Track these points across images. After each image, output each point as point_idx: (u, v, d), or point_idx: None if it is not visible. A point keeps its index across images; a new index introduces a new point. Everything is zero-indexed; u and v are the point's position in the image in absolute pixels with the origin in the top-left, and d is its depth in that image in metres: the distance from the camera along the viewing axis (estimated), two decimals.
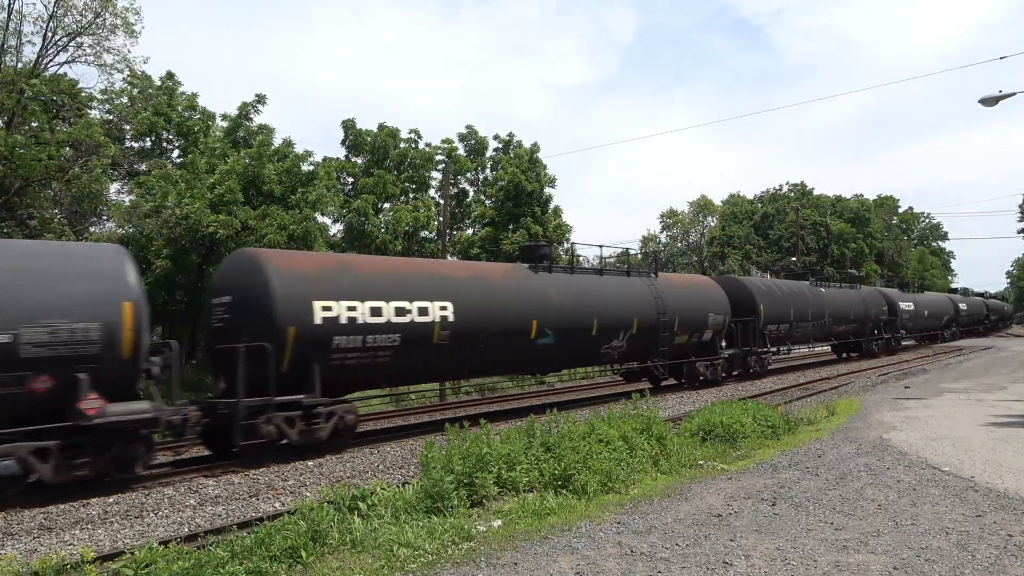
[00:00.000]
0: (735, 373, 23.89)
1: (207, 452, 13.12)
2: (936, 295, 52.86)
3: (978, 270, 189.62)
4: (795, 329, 27.11)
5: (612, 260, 27.97)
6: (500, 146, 40.30)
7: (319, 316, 11.90)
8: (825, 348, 37.68)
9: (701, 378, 21.56)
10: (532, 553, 6.29)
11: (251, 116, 27.49)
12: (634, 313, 18.47)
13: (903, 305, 38.90)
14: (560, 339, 16.14)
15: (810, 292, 29.02)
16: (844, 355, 35.29)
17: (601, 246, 20.25)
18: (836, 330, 31.14)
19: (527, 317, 15.45)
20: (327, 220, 31.59)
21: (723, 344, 23.00)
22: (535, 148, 38.01)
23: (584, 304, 17.02)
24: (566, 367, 21.33)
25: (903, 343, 42.47)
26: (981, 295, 72.97)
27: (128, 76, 27.64)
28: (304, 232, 23.73)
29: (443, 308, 13.67)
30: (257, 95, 27.66)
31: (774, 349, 27.32)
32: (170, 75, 31.02)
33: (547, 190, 37.82)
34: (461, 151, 40.91)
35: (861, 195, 78.37)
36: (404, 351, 13.10)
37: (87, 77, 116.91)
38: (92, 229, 24.30)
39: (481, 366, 15.72)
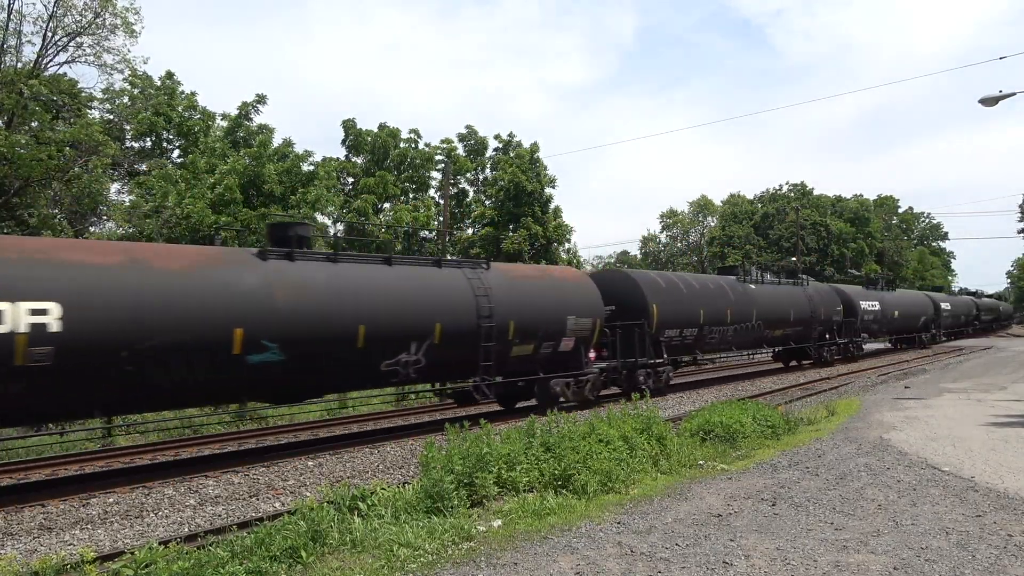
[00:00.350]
0: (616, 391, 18.87)
1: (207, 452, 13.14)
2: (911, 293, 47.67)
3: (978, 270, 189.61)
4: (708, 335, 21.85)
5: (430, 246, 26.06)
6: (500, 146, 40.35)
7: None
8: (766, 356, 33.51)
9: (561, 399, 16.59)
10: (532, 553, 6.29)
11: (251, 116, 27.53)
12: (437, 316, 13.63)
13: (865, 304, 33.98)
14: (294, 355, 11.48)
15: (733, 289, 23.74)
16: (793, 363, 30.12)
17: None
18: (770, 335, 25.81)
19: (227, 324, 10.75)
20: (327, 220, 31.61)
21: (591, 356, 17.66)
22: (535, 148, 38.05)
23: (345, 304, 12.28)
24: (318, 392, 13.88)
25: (871, 347, 39.80)
26: (973, 293, 69.18)
27: (129, 76, 27.69)
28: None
29: (37, 312, 9.06)
30: (257, 95, 27.74)
31: (687, 359, 23.43)
32: (170, 75, 31.07)
33: (547, 190, 37.87)
34: (461, 151, 40.97)
35: (861, 195, 78.47)
36: None
37: (87, 77, 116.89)
38: (92, 229, 24.31)
39: (135, 396, 10.52)
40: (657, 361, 19.52)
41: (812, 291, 28.93)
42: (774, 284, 27.06)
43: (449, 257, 22.01)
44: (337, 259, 12.92)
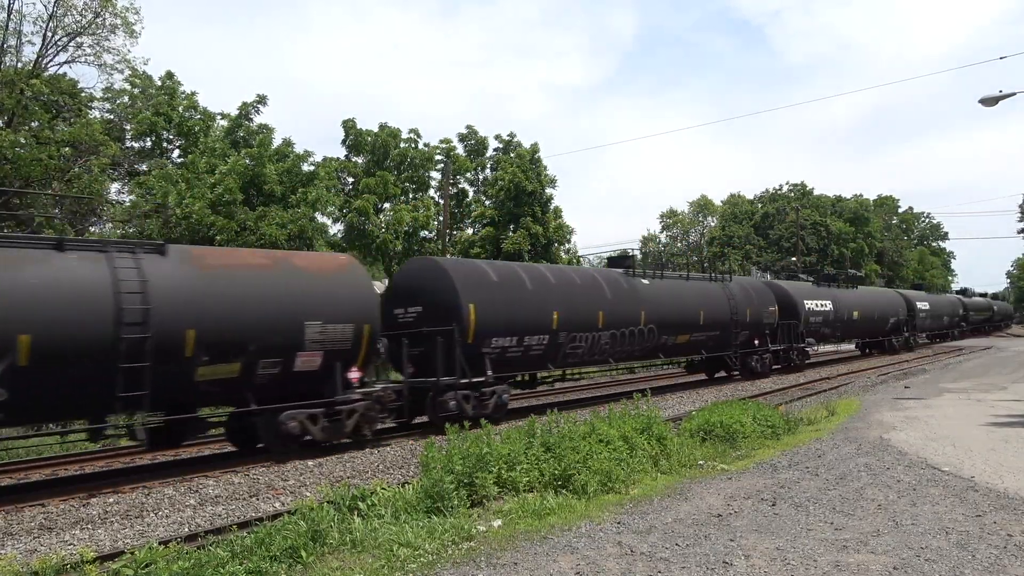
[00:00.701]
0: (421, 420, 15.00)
1: (207, 452, 13.14)
2: (878, 291, 41.94)
3: (978, 270, 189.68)
4: (568, 344, 16.94)
5: None
6: (501, 146, 40.33)
7: None
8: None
9: (306, 437, 12.18)
10: (532, 553, 6.29)
11: (251, 117, 27.53)
12: (16, 327, 9.16)
13: (811, 304, 29.00)
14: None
15: (613, 284, 18.81)
16: (721, 373, 25.32)
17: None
18: (669, 342, 20.54)
19: None
20: (327, 220, 31.62)
21: (355, 376, 12.75)
22: (535, 148, 38.04)
23: None
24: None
25: (828, 350, 36.54)
26: (963, 292, 64.80)
27: (129, 76, 27.72)
28: (301, 230, 23.77)
29: None
30: (258, 95, 27.71)
31: (534, 376, 18.86)
32: (170, 75, 31.05)
33: (548, 190, 37.86)
34: (461, 151, 40.95)
35: (861, 195, 78.47)
36: None
37: (87, 77, 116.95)
38: (92, 229, 24.32)
39: None
40: (477, 380, 14.66)
41: (736, 288, 23.93)
42: (678, 279, 22.03)
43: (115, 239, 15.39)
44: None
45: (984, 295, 77.53)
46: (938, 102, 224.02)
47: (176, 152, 31.12)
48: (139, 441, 11.26)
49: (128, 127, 29.86)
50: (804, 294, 28.94)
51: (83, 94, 27.06)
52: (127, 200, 26.61)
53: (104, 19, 22.28)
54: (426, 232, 36.52)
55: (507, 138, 40.15)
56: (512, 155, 38.46)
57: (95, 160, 21.25)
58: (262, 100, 27.68)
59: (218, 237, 22.14)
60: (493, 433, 9.02)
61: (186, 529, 8.13)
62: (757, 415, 12.81)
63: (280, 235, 22.72)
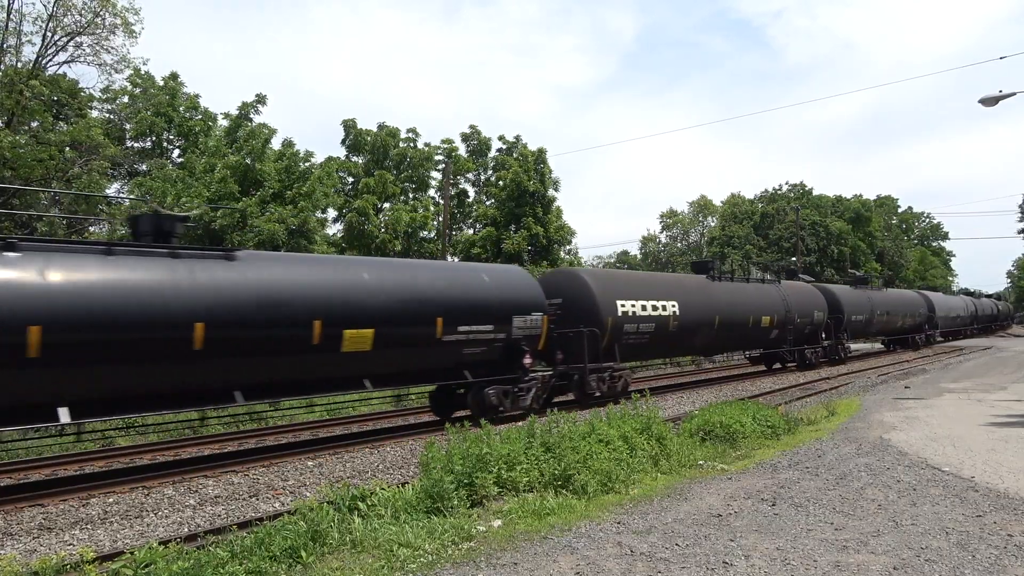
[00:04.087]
0: None
1: (207, 452, 13.14)
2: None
3: (978, 270, 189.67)
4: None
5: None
6: (504, 147, 40.32)
7: None
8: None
9: None
10: (532, 553, 6.28)
11: (251, 116, 27.55)
12: None
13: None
14: None
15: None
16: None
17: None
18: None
19: None
20: (326, 216, 31.67)
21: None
22: (542, 151, 38.01)
23: None
24: None
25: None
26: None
27: (131, 76, 27.74)
28: (302, 224, 23.80)
29: None
30: (257, 95, 27.75)
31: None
32: (174, 76, 31.09)
33: (550, 192, 37.86)
34: (463, 151, 40.96)
35: (861, 195, 78.48)
36: None
37: (87, 77, 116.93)
38: (92, 229, 24.32)
39: None
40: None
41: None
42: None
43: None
44: None
45: (991, 296, 78.43)
46: (938, 102, 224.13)
47: (176, 152, 31.15)
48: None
49: (128, 127, 29.87)
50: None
51: (83, 94, 27.05)
52: (127, 200, 26.61)
53: (104, 19, 22.26)
54: (426, 232, 36.52)
55: (512, 140, 40.15)
56: (516, 155, 38.48)
57: (96, 163, 21.24)
58: (261, 100, 27.71)
59: (220, 223, 22.20)
60: (493, 433, 9.01)
61: (186, 529, 8.12)
62: (757, 415, 12.81)
63: (279, 230, 22.74)
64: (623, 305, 18.31)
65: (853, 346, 37.14)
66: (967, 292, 68.15)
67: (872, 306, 33.59)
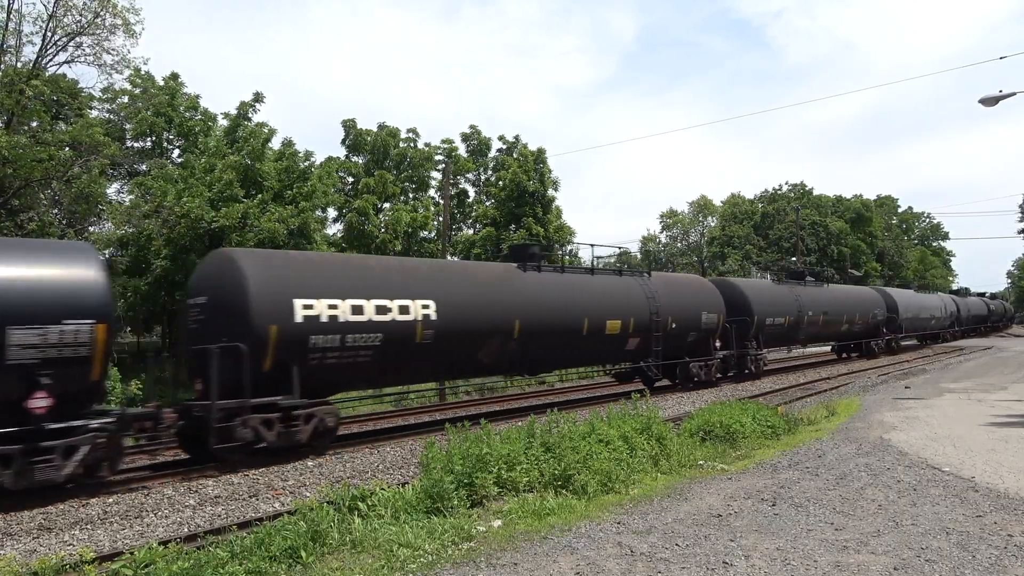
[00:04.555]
0: None
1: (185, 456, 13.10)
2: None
3: (978, 270, 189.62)
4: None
5: None
6: (504, 147, 40.32)
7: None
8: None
9: None
10: (532, 553, 6.28)
11: (250, 116, 27.56)
12: None
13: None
14: None
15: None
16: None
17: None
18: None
19: None
20: (326, 215, 31.69)
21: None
22: (542, 151, 38.01)
23: None
24: None
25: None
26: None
27: (131, 76, 27.73)
28: (302, 224, 23.82)
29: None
30: (255, 94, 27.70)
31: None
32: (175, 76, 31.10)
33: (550, 192, 37.88)
34: (463, 151, 40.96)
35: (861, 195, 78.48)
36: None
37: (87, 77, 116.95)
38: (92, 229, 24.32)
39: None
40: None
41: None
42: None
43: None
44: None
45: (982, 295, 73.53)
46: (938, 102, 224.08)
47: (176, 152, 31.16)
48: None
49: (128, 127, 29.87)
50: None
51: (83, 94, 27.04)
52: (127, 200, 26.63)
53: (104, 19, 22.22)
54: (426, 232, 36.53)
55: (512, 140, 40.16)
56: (516, 155, 38.50)
57: (95, 162, 21.23)
58: (259, 98, 27.68)
59: (221, 223, 22.21)
60: (493, 433, 9.01)
61: (186, 529, 8.12)
62: (757, 415, 12.81)
63: (279, 229, 22.74)
64: (308, 306, 11.91)
65: (808, 349, 34.59)
66: (958, 291, 63.87)
67: (800, 306, 27.05)
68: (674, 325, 19.99)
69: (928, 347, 44.13)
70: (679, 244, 69.15)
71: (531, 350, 16.01)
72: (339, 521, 6.86)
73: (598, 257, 25.42)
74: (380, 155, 37.07)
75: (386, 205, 35.36)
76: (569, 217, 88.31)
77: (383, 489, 8.04)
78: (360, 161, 37.73)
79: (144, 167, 28.80)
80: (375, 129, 37.86)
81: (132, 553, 6.00)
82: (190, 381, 12.38)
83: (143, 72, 29.89)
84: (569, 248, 39.84)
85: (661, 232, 69.82)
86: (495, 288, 15.40)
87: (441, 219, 34.45)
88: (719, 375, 22.69)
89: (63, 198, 21.60)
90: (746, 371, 24.16)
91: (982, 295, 74.69)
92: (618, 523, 7.20)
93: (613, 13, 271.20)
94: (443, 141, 40.38)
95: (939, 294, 51.74)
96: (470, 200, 41.17)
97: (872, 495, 8.03)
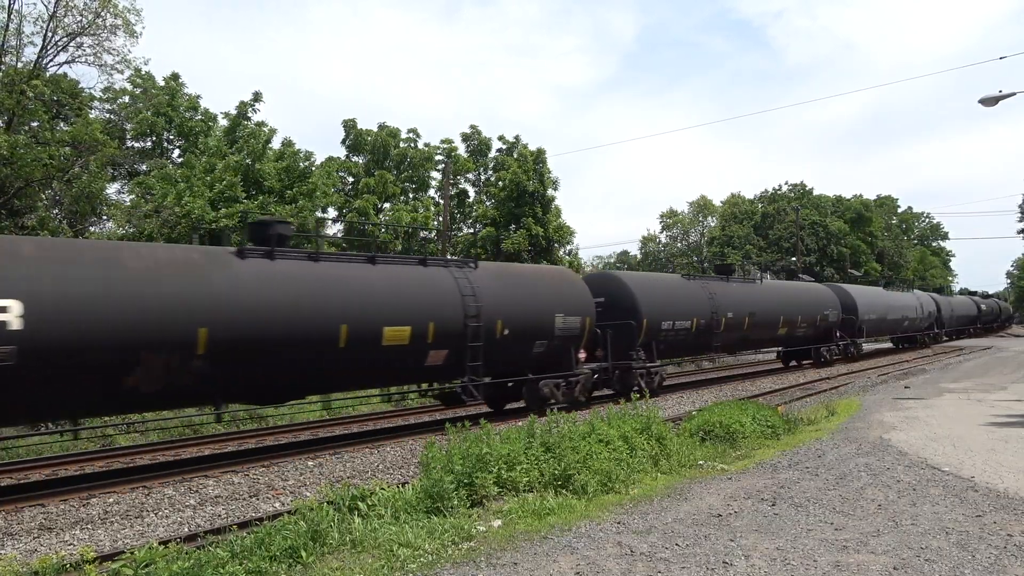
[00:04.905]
0: None
1: (207, 452, 13.14)
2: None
3: (978, 270, 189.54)
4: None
5: None
6: (504, 147, 40.34)
7: None
8: None
9: None
10: (532, 553, 6.29)
11: (249, 116, 27.59)
12: None
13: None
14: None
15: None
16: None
17: None
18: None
19: None
20: (326, 215, 31.69)
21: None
22: (541, 152, 38.02)
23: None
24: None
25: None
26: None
27: (132, 76, 27.75)
28: (301, 224, 23.85)
29: None
30: (254, 93, 27.74)
31: None
32: (175, 76, 31.12)
33: (549, 191, 37.90)
34: (463, 151, 40.98)
35: (861, 195, 78.50)
36: None
37: (87, 77, 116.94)
38: (92, 229, 24.33)
39: None
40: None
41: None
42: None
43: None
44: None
45: (973, 293, 69.74)
46: (938, 102, 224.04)
47: (176, 152, 31.19)
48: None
49: (128, 127, 29.89)
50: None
51: (83, 94, 27.06)
52: (127, 200, 26.64)
53: (104, 19, 22.25)
54: (426, 232, 36.54)
55: (512, 140, 40.18)
56: (516, 155, 38.51)
57: (93, 159, 21.25)
58: (258, 98, 27.71)
59: (223, 223, 22.24)
60: (493, 433, 9.02)
61: (186, 529, 8.13)
62: (757, 415, 12.82)
63: None
64: None
65: (756, 356, 32.14)
66: (941, 289, 59.11)
67: (715, 306, 22.22)
68: (506, 331, 14.90)
69: (904, 351, 39.58)
70: (679, 244, 69.18)
71: (234, 371, 11.14)
72: (339, 521, 6.86)
73: (598, 258, 24.19)
74: (380, 155, 37.09)
75: (386, 205, 35.38)
76: (569, 217, 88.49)
77: (383, 489, 8.05)
78: (360, 161, 37.75)
79: (144, 167, 28.81)
80: (375, 129, 37.88)
81: (132, 553, 6.00)
82: None
83: (143, 72, 29.91)
84: (569, 248, 39.89)
85: (661, 232, 69.90)
86: (166, 283, 10.36)
87: (441, 219, 34.50)
88: (584, 397, 17.56)
89: (63, 198, 21.62)
90: (635, 388, 18.16)
91: (973, 294, 71.32)
92: (618, 523, 7.20)
93: (613, 13, 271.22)
94: (442, 141, 40.42)
95: (915, 292, 45.71)
96: (470, 200, 41.18)
97: (872, 495, 8.04)
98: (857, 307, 31.44)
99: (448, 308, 13.93)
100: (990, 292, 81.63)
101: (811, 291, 29.96)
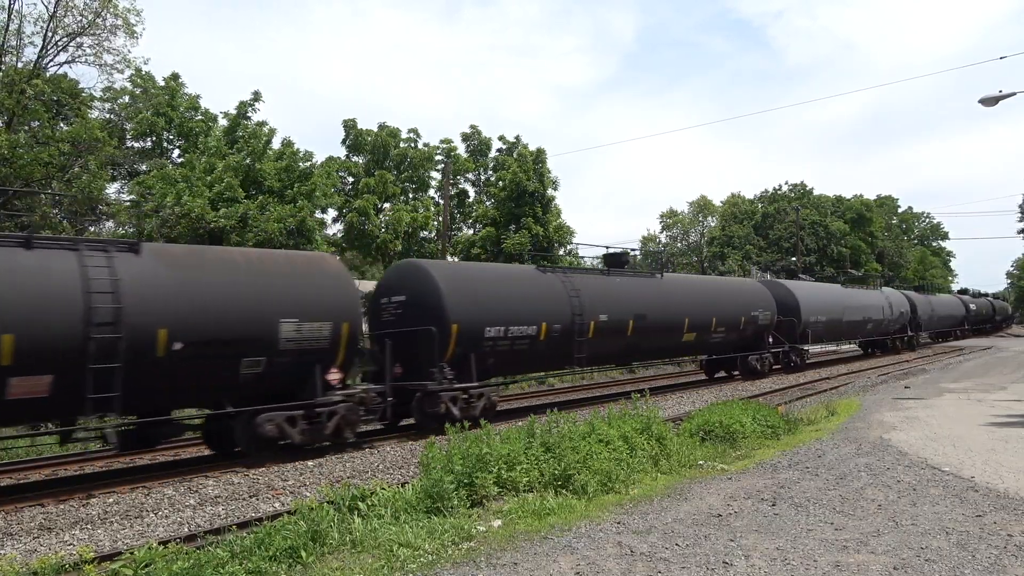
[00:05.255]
0: None
1: (207, 452, 13.12)
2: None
3: (978, 270, 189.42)
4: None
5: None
6: (505, 147, 40.30)
7: None
8: None
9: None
10: (532, 553, 6.28)
11: (249, 115, 27.58)
12: None
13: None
14: None
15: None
16: None
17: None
18: None
19: None
20: (326, 217, 31.70)
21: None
22: (541, 152, 37.99)
23: None
24: None
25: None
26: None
27: (132, 75, 27.77)
28: (300, 224, 23.85)
29: None
30: (254, 93, 27.71)
31: None
32: (175, 76, 31.12)
33: (549, 191, 37.87)
34: (463, 151, 40.95)
35: (861, 195, 78.48)
36: None
37: (87, 77, 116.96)
38: (91, 228, 24.34)
39: None
40: None
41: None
42: None
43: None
44: None
45: (965, 291, 64.35)
46: (938, 102, 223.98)
47: (176, 152, 31.19)
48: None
49: (128, 127, 29.90)
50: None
51: (84, 94, 27.07)
52: (127, 200, 26.64)
53: (105, 19, 22.26)
54: (426, 232, 36.55)
55: (512, 140, 40.14)
56: (515, 156, 38.49)
57: (91, 157, 21.26)
58: (257, 97, 27.69)
59: (222, 223, 22.26)
60: (493, 433, 9.01)
61: (186, 529, 8.12)
62: (757, 415, 12.81)
63: (276, 229, 22.78)
64: None
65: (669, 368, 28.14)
66: (920, 286, 49.60)
67: (579, 308, 17.19)
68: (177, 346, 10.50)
69: (868, 358, 35.23)
70: (679, 244, 69.18)
71: None
72: (339, 521, 6.86)
73: (598, 258, 20.84)
74: (380, 155, 37.07)
75: (386, 205, 35.37)
76: (569, 217, 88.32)
77: (383, 489, 8.05)
78: (360, 161, 37.73)
79: (144, 167, 28.82)
80: (375, 129, 37.87)
81: (132, 553, 6.00)
82: None
83: (143, 72, 29.92)
84: (569, 248, 39.85)
85: (661, 232, 69.88)
86: None
87: (441, 219, 34.49)
88: (350, 434, 12.64)
89: (63, 198, 21.63)
90: (442, 416, 13.48)
91: (965, 292, 65.99)
92: (618, 523, 7.20)
93: (613, 13, 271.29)
94: (442, 141, 40.38)
95: (884, 290, 38.33)
96: (470, 200, 41.16)
97: (872, 495, 8.04)
98: (800, 307, 26.18)
99: (53, 314, 9.55)
100: (989, 292, 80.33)
101: (734, 288, 25.08)
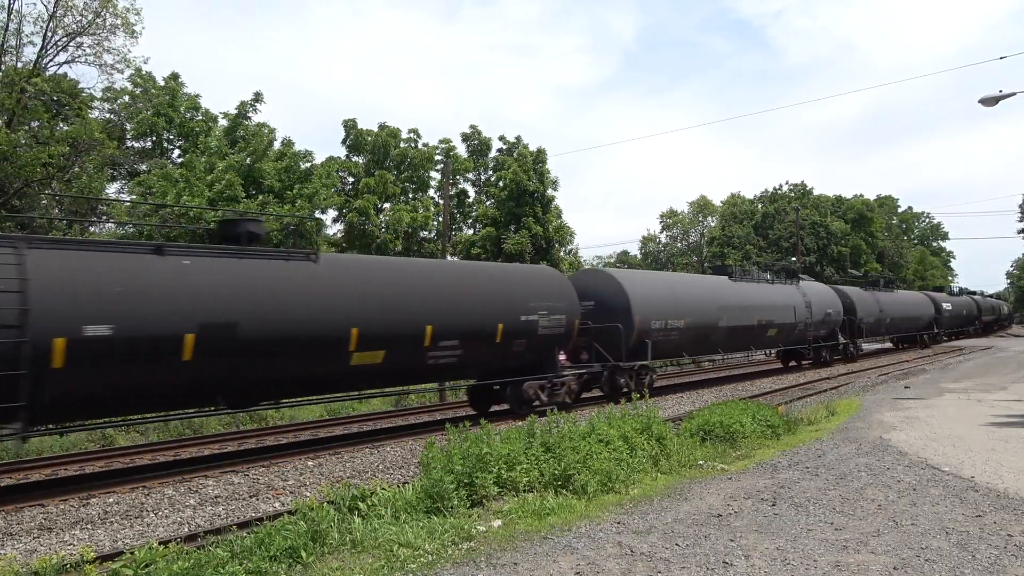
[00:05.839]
0: None
1: (207, 452, 13.12)
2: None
3: (978, 270, 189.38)
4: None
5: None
6: (505, 147, 40.32)
7: None
8: None
9: None
10: (532, 553, 6.28)
11: (249, 115, 27.60)
12: None
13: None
14: None
15: None
16: None
17: None
18: None
19: None
20: (326, 217, 31.69)
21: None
22: (542, 152, 38.01)
23: None
24: None
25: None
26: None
27: (132, 75, 27.79)
28: (299, 224, 23.87)
29: None
30: (255, 93, 27.75)
31: None
32: (175, 76, 31.13)
33: (549, 191, 37.89)
34: (463, 151, 40.96)
35: (861, 195, 78.51)
36: None
37: (87, 77, 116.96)
38: (92, 228, 24.35)
39: None
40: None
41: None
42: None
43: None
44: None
45: (940, 289, 61.78)
46: (938, 102, 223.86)
47: (176, 152, 31.21)
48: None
49: (128, 127, 29.92)
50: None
51: (83, 94, 27.09)
52: (127, 200, 26.65)
53: (104, 19, 22.27)
54: (426, 232, 36.56)
55: (512, 140, 40.16)
56: (515, 155, 38.50)
57: (90, 157, 21.27)
58: (259, 98, 27.72)
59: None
60: (493, 433, 9.01)
61: (186, 529, 8.13)
62: (757, 415, 12.81)
63: (274, 226, 22.80)
64: None
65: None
66: (887, 281, 41.14)
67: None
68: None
69: (769, 376, 26.94)
70: (679, 244, 69.21)
71: None
72: (339, 521, 6.86)
73: (598, 257, 23.65)
74: (380, 155, 37.09)
75: (386, 205, 35.38)
76: (569, 217, 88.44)
77: (383, 489, 8.05)
78: (360, 161, 37.74)
79: (144, 167, 28.83)
80: (375, 129, 37.88)
81: (132, 553, 6.01)
82: None
83: (143, 72, 29.93)
84: (569, 248, 39.88)
85: (661, 232, 69.93)
86: None
87: (441, 219, 34.53)
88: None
89: (63, 198, 21.65)
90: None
91: (940, 289, 59.85)
92: (618, 523, 7.20)
93: (613, 13, 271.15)
94: (441, 141, 40.40)
95: (801, 284, 29.33)
96: (470, 200, 41.18)
97: (872, 495, 8.04)
98: (631, 304, 18.94)
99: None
100: (988, 292, 79.63)
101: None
